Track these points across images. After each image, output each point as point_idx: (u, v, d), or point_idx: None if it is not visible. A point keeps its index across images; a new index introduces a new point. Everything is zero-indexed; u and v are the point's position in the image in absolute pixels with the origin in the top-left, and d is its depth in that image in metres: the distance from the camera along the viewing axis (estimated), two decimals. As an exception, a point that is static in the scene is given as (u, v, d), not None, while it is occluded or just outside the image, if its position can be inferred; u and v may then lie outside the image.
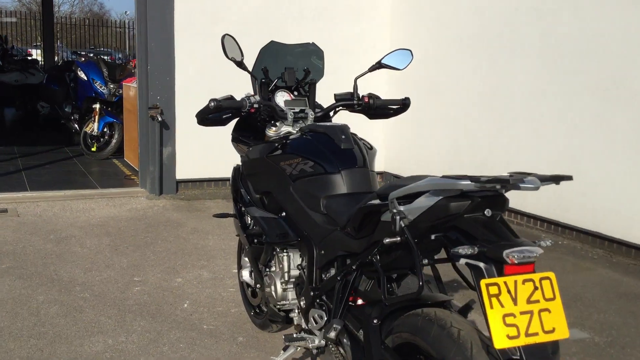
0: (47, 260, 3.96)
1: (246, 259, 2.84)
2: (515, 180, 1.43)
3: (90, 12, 38.46)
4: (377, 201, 1.79)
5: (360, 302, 2.02)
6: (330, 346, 2.07)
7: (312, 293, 2.15)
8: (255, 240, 2.54)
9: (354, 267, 1.97)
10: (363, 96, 2.63)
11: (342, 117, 2.62)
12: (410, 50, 2.62)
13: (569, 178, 1.47)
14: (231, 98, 2.49)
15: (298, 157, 2.26)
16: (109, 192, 5.91)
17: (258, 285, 2.64)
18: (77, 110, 8.53)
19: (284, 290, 2.40)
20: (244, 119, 2.65)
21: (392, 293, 1.98)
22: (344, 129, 2.30)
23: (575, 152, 4.65)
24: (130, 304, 3.31)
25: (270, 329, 2.89)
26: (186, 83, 5.94)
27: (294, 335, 2.19)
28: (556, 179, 1.48)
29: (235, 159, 2.85)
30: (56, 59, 17.58)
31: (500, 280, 1.44)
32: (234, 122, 2.69)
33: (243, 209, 2.69)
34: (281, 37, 2.91)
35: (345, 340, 1.99)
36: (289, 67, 2.61)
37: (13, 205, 5.28)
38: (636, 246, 4.31)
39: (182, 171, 6.09)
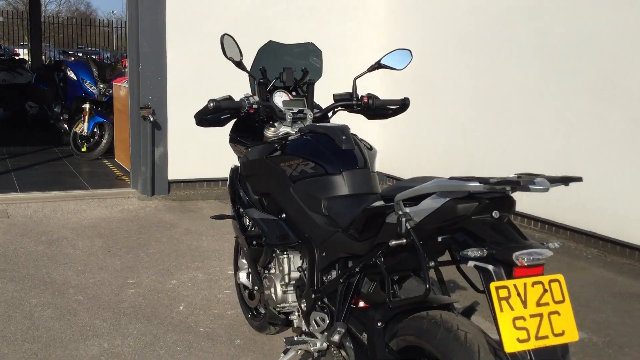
0: (39, 262, 3.91)
1: (244, 260, 2.82)
2: (525, 182, 1.42)
3: (77, 11, 38.22)
4: (381, 203, 1.77)
5: (362, 304, 2.00)
6: (333, 349, 2.05)
7: (313, 295, 2.13)
8: (255, 242, 2.51)
9: (357, 270, 1.95)
10: (362, 96, 2.61)
11: (339, 118, 2.60)
12: (410, 50, 2.59)
13: (579, 179, 1.46)
14: (230, 98, 2.46)
15: (298, 158, 2.23)
16: (100, 193, 5.86)
17: (256, 288, 2.61)
18: (67, 110, 8.45)
19: (284, 292, 2.38)
20: (242, 120, 2.62)
21: (394, 295, 1.96)
22: (344, 129, 2.28)
23: (572, 151, 4.66)
24: (125, 307, 3.27)
25: (268, 332, 2.87)
26: (178, 83, 5.88)
27: (296, 338, 2.16)
28: (565, 180, 1.47)
29: (229, 159, 2.82)
30: (44, 58, 17.44)
31: (509, 283, 1.43)
32: (231, 123, 2.66)
33: (241, 210, 2.66)
34: (277, 37, 2.88)
35: (348, 343, 1.97)
36: (287, 67, 2.59)
37: (3, 206, 5.21)
38: (630, 245, 4.33)
39: (174, 171, 6.04)
